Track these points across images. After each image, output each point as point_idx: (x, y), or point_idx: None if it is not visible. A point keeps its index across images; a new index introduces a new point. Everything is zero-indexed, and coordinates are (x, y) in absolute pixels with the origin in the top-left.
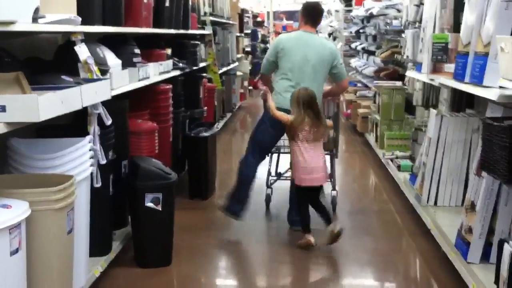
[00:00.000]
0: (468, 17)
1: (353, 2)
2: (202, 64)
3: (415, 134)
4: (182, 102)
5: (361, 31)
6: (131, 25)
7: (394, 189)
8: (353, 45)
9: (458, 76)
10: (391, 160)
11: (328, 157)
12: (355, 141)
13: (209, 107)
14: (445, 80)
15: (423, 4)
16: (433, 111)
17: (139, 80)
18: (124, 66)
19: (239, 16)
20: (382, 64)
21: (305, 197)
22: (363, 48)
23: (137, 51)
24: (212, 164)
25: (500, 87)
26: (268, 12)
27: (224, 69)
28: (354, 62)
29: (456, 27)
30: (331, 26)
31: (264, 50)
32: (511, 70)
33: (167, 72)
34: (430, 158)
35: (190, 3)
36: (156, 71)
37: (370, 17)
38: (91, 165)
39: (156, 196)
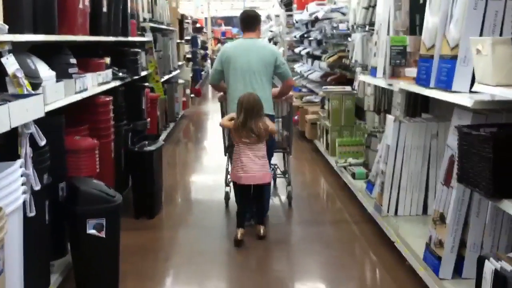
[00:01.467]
0: (430, 18)
1: (294, 7)
2: (143, 73)
3: (369, 140)
4: (124, 114)
5: (305, 35)
6: (65, 33)
7: (349, 198)
8: (296, 50)
9: (422, 81)
10: (345, 167)
11: (281, 155)
12: (304, 148)
13: (152, 118)
14: (407, 85)
15: (372, 7)
16: (390, 117)
17: (76, 93)
18: (59, 78)
19: (179, 22)
20: (328, 69)
21: (242, 193)
22: (307, 53)
23: (73, 61)
24: (158, 179)
25: (471, 91)
26: (206, 18)
27: (166, 77)
28: (298, 67)
29: (412, 29)
30: (271, 31)
31: (204, 57)
32: (488, 74)
33: (107, 82)
34: (389, 166)
35: (129, 9)
36: (95, 82)
37: (314, 21)
38: (24, 192)
39: (99, 222)
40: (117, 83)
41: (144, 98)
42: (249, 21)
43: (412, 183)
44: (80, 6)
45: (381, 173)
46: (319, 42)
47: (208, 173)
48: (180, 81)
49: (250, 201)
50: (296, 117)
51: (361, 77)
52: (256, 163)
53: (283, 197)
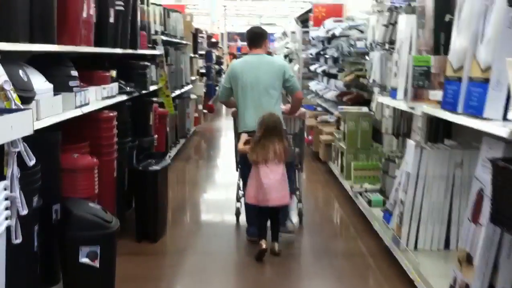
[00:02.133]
0: (457, 37)
1: (310, 24)
2: (152, 88)
3: (386, 165)
4: (129, 131)
5: (321, 53)
6: (66, 43)
7: (364, 226)
8: (312, 68)
9: (448, 105)
10: (360, 193)
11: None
12: (318, 170)
13: (160, 135)
14: (431, 110)
15: (392, 24)
16: (411, 143)
17: (77, 107)
18: (58, 91)
19: (193, 36)
20: (344, 88)
21: (260, 215)
22: (323, 71)
23: (74, 73)
24: (163, 201)
25: (505, 119)
26: (222, 33)
27: (177, 92)
28: (313, 85)
29: (436, 49)
30: (287, 48)
31: (219, 72)
32: None
33: (112, 97)
34: (409, 196)
35: (139, 20)
36: (98, 96)
37: (331, 38)
38: (7, 217)
39: (92, 250)
40: (123, 97)
41: (151, 113)
42: (255, 37)
43: (434, 215)
44: (84, 15)
45: (400, 203)
46: (335, 60)
47: (218, 192)
48: (193, 96)
49: (265, 220)
50: (310, 137)
51: (380, 99)
52: (277, 184)
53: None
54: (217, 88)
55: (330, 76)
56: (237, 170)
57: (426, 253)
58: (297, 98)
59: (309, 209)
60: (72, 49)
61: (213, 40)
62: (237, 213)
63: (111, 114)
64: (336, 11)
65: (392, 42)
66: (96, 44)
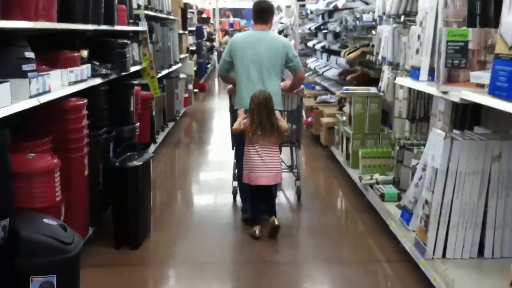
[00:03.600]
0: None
1: None
2: (134, 68)
3: (401, 153)
4: (105, 120)
5: (321, 27)
6: (17, 18)
7: (377, 224)
8: (310, 44)
9: (500, 91)
10: (371, 186)
11: (289, 149)
12: (319, 155)
13: (143, 122)
14: (476, 97)
15: None
16: (437, 132)
17: (32, 97)
18: (7, 76)
19: (181, 11)
20: (347, 65)
21: (255, 193)
22: (322, 47)
23: (29, 54)
24: (145, 200)
25: None
26: (214, 9)
27: (165, 71)
28: (311, 62)
29: (471, 20)
30: (281, 23)
31: (210, 49)
32: None
33: (82, 81)
34: (437, 196)
35: None
36: (64, 81)
37: (333, 11)
38: None
39: (47, 281)
40: (97, 81)
41: (132, 98)
42: (263, 13)
43: (466, 217)
44: None
45: (425, 203)
46: (336, 35)
47: (212, 184)
48: (182, 75)
49: (261, 199)
50: (309, 119)
51: (398, 80)
52: (271, 163)
53: (291, 194)
54: (208, 66)
55: (330, 52)
56: (233, 149)
57: (456, 262)
58: (299, 78)
59: (309, 202)
60: (24, 25)
61: (204, 15)
62: (234, 192)
63: (80, 102)
64: None
65: (408, 14)
66: (61, 20)
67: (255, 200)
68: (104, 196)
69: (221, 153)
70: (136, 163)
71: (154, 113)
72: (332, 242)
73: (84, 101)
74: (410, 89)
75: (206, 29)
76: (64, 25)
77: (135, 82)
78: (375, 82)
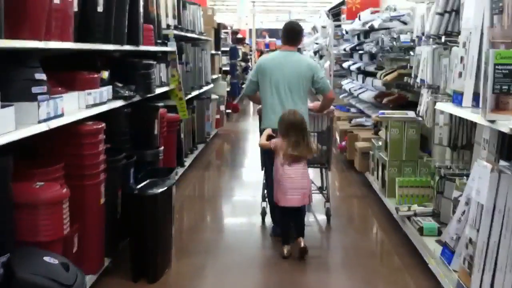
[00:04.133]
0: None
1: (343, 18)
2: (160, 90)
3: (441, 184)
4: (126, 144)
5: (357, 48)
6: (27, 37)
7: (414, 260)
8: (345, 65)
9: None
10: (408, 218)
11: (318, 170)
12: (353, 181)
13: (169, 146)
14: None
15: (450, 12)
16: (484, 165)
17: (41, 121)
18: (14, 100)
19: (215, 31)
20: (383, 87)
21: (283, 215)
22: (358, 69)
23: (39, 76)
24: (166, 230)
25: None
26: (250, 30)
27: (196, 92)
28: (346, 83)
29: None
30: (317, 44)
31: (245, 69)
32: None
33: (102, 103)
34: (483, 235)
35: (141, 10)
36: (82, 104)
37: (368, 31)
38: None
39: None
40: (118, 103)
41: (157, 121)
42: (292, 34)
43: None
44: (56, 1)
45: (468, 242)
46: (372, 56)
47: (242, 207)
48: (214, 96)
49: (291, 220)
50: (343, 143)
51: (440, 106)
52: (302, 184)
53: (321, 216)
54: (243, 86)
55: (366, 74)
56: (262, 169)
57: None
58: (328, 99)
59: (342, 231)
60: (33, 45)
61: (239, 36)
62: (263, 213)
63: (97, 126)
64: (372, 2)
65: (449, 34)
66: (79, 40)
67: (285, 221)
68: (122, 224)
69: (252, 175)
70: (155, 190)
71: (182, 135)
72: (367, 276)
73: (102, 125)
74: (451, 114)
75: (241, 49)
76: (81, 45)
77: (160, 104)
78: (412, 105)
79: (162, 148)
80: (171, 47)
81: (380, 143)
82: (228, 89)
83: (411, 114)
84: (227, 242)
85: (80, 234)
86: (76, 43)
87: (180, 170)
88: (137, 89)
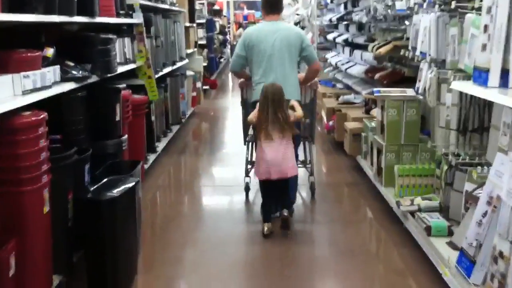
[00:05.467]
0: None
1: None
2: (124, 68)
3: (450, 174)
4: (80, 135)
5: (344, 18)
6: None
7: (421, 262)
8: (329, 37)
9: None
10: (412, 213)
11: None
12: (342, 165)
13: (136, 133)
14: None
15: None
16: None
17: None
18: None
19: (189, 2)
20: (374, 61)
21: (267, 188)
22: (345, 41)
23: None
24: (127, 238)
25: None
26: (228, 1)
27: (168, 69)
28: (332, 57)
29: None
30: (298, 15)
31: (223, 43)
32: None
33: (45, 88)
34: None
35: None
36: (17, 90)
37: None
38: None
39: None
40: (67, 86)
41: (118, 105)
42: (274, 3)
43: None
44: None
45: (499, 257)
46: (360, 27)
47: (223, 196)
48: (189, 73)
49: (275, 195)
50: (331, 123)
51: (457, 85)
52: (282, 156)
53: (304, 191)
54: (221, 60)
55: (354, 46)
56: (245, 144)
57: None
58: (314, 69)
59: (330, 227)
60: None
61: (216, 7)
62: (246, 188)
63: (36, 117)
64: None
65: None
66: (11, 9)
67: (266, 197)
68: (75, 234)
69: (234, 157)
70: (114, 192)
71: (153, 118)
72: (364, 283)
73: (42, 115)
74: (461, 93)
75: (219, 22)
76: (13, 17)
77: (121, 85)
78: (409, 81)
79: (125, 136)
80: (137, 19)
81: (373, 123)
82: (205, 64)
83: (410, 92)
84: (203, 250)
85: (19, 253)
86: (7, 13)
87: (151, 157)
88: (94, 69)
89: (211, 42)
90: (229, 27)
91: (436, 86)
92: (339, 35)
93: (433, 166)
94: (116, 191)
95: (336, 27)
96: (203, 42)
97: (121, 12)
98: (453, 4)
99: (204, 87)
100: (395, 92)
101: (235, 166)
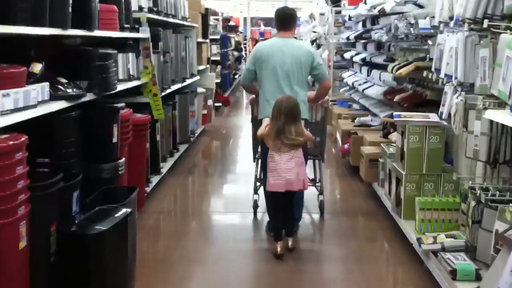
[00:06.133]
0: None
1: (343, 3)
2: (126, 86)
3: (477, 210)
4: (71, 157)
5: (363, 36)
6: None
7: None
8: (346, 55)
9: None
10: (435, 253)
11: (311, 162)
12: (358, 192)
13: (137, 154)
14: None
15: None
16: None
17: None
18: None
19: (202, 17)
20: (394, 82)
21: (275, 203)
22: (362, 60)
23: None
24: (118, 275)
25: None
26: (245, 18)
27: (177, 86)
28: (348, 76)
29: None
30: (314, 32)
31: (238, 59)
32: None
33: (29, 107)
34: None
35: None
36: None
37: (377, 16)
38: None
39: None
40: (57, 105)
41: (115, 125)
42: (285, 19)
43: None
44: None
45: None
46: (379, 46)
47: (235, 227)
48: (200, 90)
49: (282, 211)
50: (346, 146)
51: (491, 115)
52: (292, 169)
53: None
54: (235, 77)
55: (372, 66)
56: (254, 161)
57: None
58: (324, 87)
59: (344, 261)
60: None
61: (232, 23)
62: (255, 206)
63: (13, 141)
64: None
65: (490, 18)
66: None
67: (276, 213)
68: (58, 271)
69: (247, 176)
70: (103, 224)
71: (158, 137)
72: None
73: (21, 139)
74: (492, 121)
75: (234, 38)
76: None
77: (120, 104)
78: (432, 105)
79: (122, 160)
80: (143, 33)
81: (391, 149)
82: (218, 80)
83: (433, 117)
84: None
85: None
86: None
87: (155, 178)
88: (91, 86)
89: (225, 58)
90: (245, 44)
91: (463, 112)
92: (356, 54)
93: (458, 199)
94: (105, 223)
95: (353, 45)
96: (217, 58)
97: (126, 26)
98: (485, 23)
99: (217, 104)
100: (417, 117)
101: (247, 187)
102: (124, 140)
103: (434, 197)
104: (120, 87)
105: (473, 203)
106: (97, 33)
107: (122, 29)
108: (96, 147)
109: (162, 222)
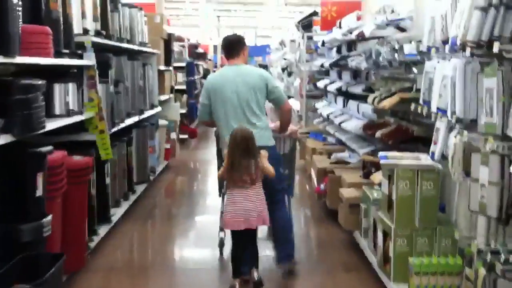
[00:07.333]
0: None
1: (315, 28)
2: (62, 122)
3: (489, 280)
4: None
5: (339, 63)
6: None
7: None
8: (320, 84)
9: None
10: None
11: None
12: (336, 240)
13: (70, 209)
14: None
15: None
16: None
17: None
18: None
19: (164, 43)
20: (374, 115)
21: (235, 241)
22: (338, 89)
23: None
24: None
25: None
26: (215, 46)
27: (133, 119)
28: (322, 107)
29: None
30: (285, 59)
31: None
32: None
33: None
34: None
35: (17, 2)
36: None
37: (353, 42)
38: None
39: None
40: None
41: (40, 175)
42: (231, 47)
43: None
44: None
45: None
46: (355, 74)
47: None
48: (162, 122)
49: (246, 248)
50: (322, 186)
51: None
52: (251, 205)
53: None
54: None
55: (348, 96)
56: (220, 196)
57: None
58: (285, 111)
59: None
60: None
61: (200, 50)
62: (221, 244)
63: None
64: (351, 9)
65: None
66: None
67: (235, 248)
68: None
69: (217, 215)
70: None
71: (107, 180)
72: None
73: None
74: (503, 168)
75: (202, 66)
76: None
77: (46, 148)
78: (421, 143)
79: (49, 217)
80: (88, 60)
81: (375, 194)
82: (184, 111)
83: (425, 159)
84: None
85: None
86: None
87: (103, 229)
88: (9, 125)
89: (192, 87)
90: (214, 71)
91: (463, 154)
92: (331, 83)
93: (459, 261)
94: None
95: (327, 73)
96: (183, 87)
97: (65, 51)
98: (496, 47)
99: (182, 136)
100: (406, 159)
101: (216, 225)
102: (54, 191)
103: (430, 257)
104: (54, 124)
105: (482, 271)
106: (20, 59)
107: (59, 54)
108: (12, 203)
109: (111, 282)
